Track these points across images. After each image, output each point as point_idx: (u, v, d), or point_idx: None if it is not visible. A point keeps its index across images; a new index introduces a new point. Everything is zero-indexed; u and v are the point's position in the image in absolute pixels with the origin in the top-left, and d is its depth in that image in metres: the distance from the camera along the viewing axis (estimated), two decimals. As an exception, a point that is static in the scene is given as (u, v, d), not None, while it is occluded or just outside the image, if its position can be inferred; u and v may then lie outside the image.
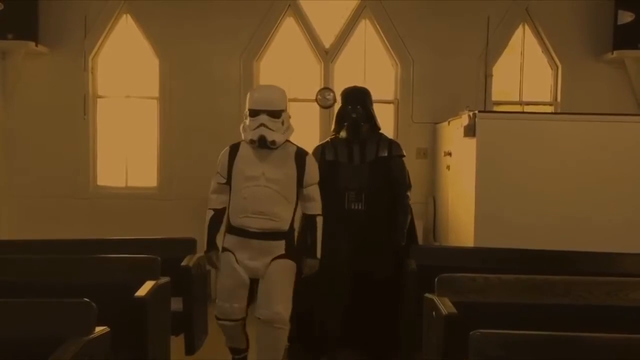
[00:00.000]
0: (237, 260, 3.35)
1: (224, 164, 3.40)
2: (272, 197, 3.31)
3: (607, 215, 4.52)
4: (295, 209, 3.40)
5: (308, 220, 3.45)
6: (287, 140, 3.41)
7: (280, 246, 3.35)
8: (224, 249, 3.41)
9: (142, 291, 2.91)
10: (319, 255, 3.43)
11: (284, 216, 3.34)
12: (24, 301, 2.32)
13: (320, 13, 6.25)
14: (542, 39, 6.23)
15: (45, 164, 6.03)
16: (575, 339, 2.15)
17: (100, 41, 6.09)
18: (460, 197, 4.97)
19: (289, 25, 6.26)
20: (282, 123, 3.35)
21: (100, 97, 6.22)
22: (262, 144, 3.29)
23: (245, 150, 3.38)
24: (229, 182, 3.40)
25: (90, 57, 6.08)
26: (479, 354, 2.10)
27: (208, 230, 3.40)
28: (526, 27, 6.25)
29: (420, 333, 3.24)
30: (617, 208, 4.51)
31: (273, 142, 3.29)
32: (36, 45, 5.76)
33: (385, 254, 3.89)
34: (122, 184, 6.24)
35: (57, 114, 6.03)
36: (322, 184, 3.55)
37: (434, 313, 2.79)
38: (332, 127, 4.19)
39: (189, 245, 3.83)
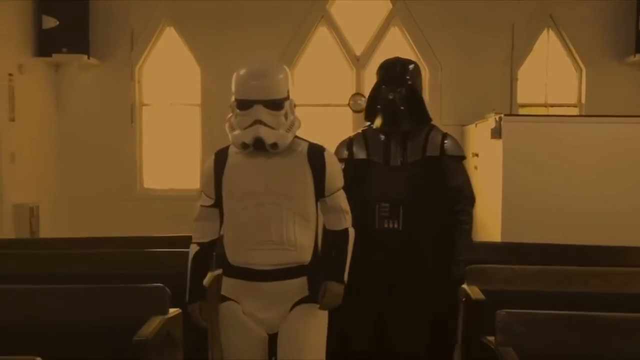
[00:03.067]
0: (243, 312, 2.39)
1: (209, 179, 2.42)
2: (283, 217, 2.33)
3: (632, 215, 4.73)
4: (317, 231, 2.46)
5: (334, 236, 2.47)
6: (295, 137, 2.42)
7: (301, 286, 2.37)
8: (224, 298, 2.44)
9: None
10: (346, 278, 2.41)
11: (303, 243, 2.35)
12: (109, 287, 2.70)
13: (352, 22, 6.58)
14: (566, 43, 6.47)
15: (96, 168, 6.45)
16: (593, 318, 2.42)
17: (145, 52, 6.51)
18: (487, 196, 5.23)
19: (322, 34, 6.61)
20: (286, 116, 2.36)
21: (146, 105, 6.64)
22: (259, 148, 2.33)
23: (236, 158, 2.39)
24: (217, 203, 2.41)
25: (137, 67, 6.50)
26: (505, 332, 2.39)
27: (190, 273, 2.47)
28: (550, 32, 6.50)
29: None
30: (640, 207, 4.72)
31: (274, 145, 2.32)
32: (88, 58, 6.18)
33: (427, 296, 2.88)
34: (167, 187, 6.66)
35: (107, 122, 6.46)
36: (347, 193, 2.52)
37: (464, 299, 3.08)
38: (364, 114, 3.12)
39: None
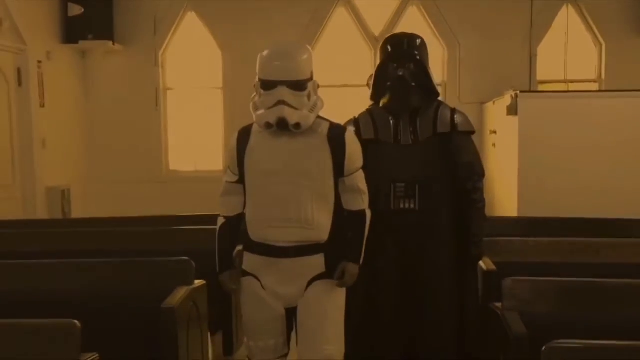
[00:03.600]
0: (262, 287, 2.47)
1: (233, 155, 2.50)
2: (302, 196, 2.40)
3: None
4: (335, 210, 2.48)
5: (351, 216, 2.51)
6: (317, 116, 2.45)
7: (318, 262, 2.45)
8: (245, 273, 2.52)
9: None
10: (361, 259, 2.50)
11: (321, 222, 2.43)
12: (139, 260, 2.88)
13: (370, 2, 6.64)
14: (585, 18, 6.45)
15: (124, 151, 6.67)
16: (596, 284, 2.52)
17: (168, 38, 6.68)
18: (504, 172, 5.31)
19: (340, 15, 6.69)
20: (309, 97, 2.39)
21: (169, 89, 6.83)
22: (282, 128, 2.38)
23: (258, 136, 2.46)
24: (242, 180, 2.49)
25: (160, 52, 6.68)
26: (511, 298, 2.50)
27: (218, 245, 2.55)
28: (570, 7, 6.48)
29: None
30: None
31: (297, 125, 2.36)
32: (113, 44, 6.38)
33: (448, 276, 2.82)
34: (191, 168, 6.85)
35: (132, 106, 6.66)
36: None
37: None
38: (370, 93, 2.98)
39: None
